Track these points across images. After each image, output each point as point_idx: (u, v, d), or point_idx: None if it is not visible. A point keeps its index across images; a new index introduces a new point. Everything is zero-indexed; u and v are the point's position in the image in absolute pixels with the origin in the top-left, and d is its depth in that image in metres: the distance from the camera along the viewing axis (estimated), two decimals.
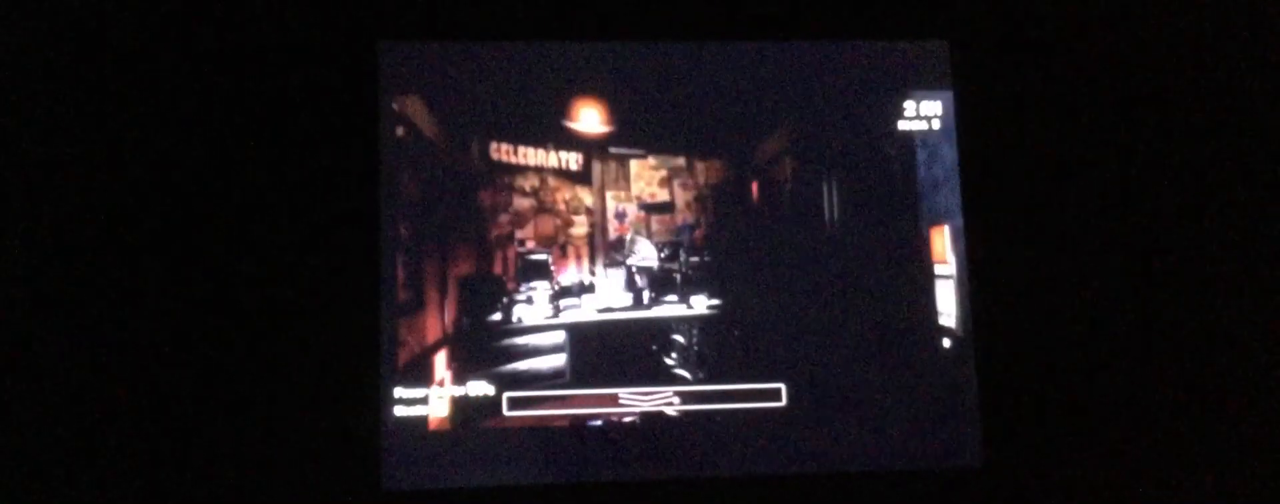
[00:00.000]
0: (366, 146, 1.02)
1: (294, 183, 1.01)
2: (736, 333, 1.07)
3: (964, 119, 1.10)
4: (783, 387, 1.05)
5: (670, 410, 1.04)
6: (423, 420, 1.00)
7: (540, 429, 1.02)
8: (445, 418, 1.01)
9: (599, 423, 1.03)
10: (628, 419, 1.04)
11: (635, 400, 1.04)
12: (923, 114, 1.10)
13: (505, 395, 1.02)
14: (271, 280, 0.99)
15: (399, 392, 1.00)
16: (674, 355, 1.06)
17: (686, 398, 1.05)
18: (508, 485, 1.01)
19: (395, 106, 1.02)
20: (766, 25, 1.10)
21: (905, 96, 1.10)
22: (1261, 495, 1.05)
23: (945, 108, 1.10)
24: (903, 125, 1.09)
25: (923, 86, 1.10)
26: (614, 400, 1.04)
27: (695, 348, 1.07)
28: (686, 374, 1.06)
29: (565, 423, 1.03)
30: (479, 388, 1.02)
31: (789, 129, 1.09)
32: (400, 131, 1.02)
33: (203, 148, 1.01)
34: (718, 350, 1.06)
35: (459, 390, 1.02)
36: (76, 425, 0.96)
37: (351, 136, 1.02)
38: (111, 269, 0.98)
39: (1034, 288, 1.07)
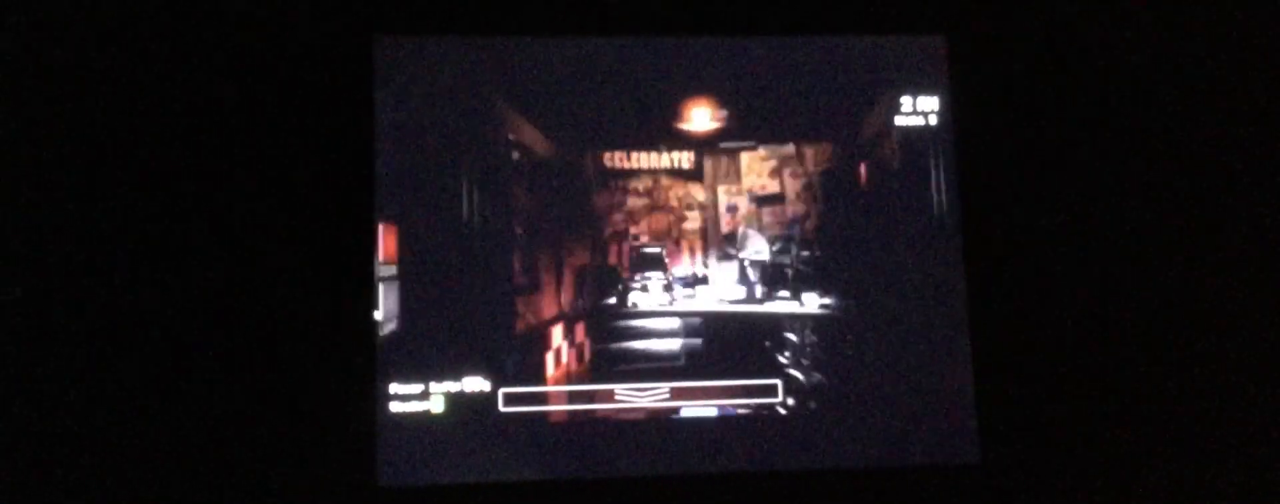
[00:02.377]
0: (362, 142, 1.03)
1: (289, 178, 1.01)
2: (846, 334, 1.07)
3: (961, 115, 1.08)
4: (779, 383, 1.05)
5: (668, 407, 1.05)
6: (419, 416, 1.01)
7: (536, 425, 1.02)
8: (441, 414, 1.02)
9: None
10: (626, 415, 1.04)
11: (631, 397, 1.05)
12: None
13: (501, 391, 1.03)
14: (266, 276, 0.99)
15: (395, 387, 1.01)
16: (787, 354, 1.07)
17: (683, 394, 1.05)
18: (503, 481, 1.01)
19: (511, 136, 1.06)
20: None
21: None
22: (1256, 491, 1.02)
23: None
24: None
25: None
26: (610, 396, 1.04)
27: (808, 349, 1.07)
28: (800, 376, 1.06)
29: (562, 418, 1.03)
30: (475, 384, 1.02)
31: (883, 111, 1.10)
32: (516, 156, 1.06)
33: (198, 141, 1.01)
34: (830, 353, 1.07)
35: (455, 386, 1.02)
36: (71, 420, 0.96)
37: (348, 130, 1.03)
38: (100, 265, 0.98)
39: (1029, 284, 1.06)
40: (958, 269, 1.06)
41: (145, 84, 1.01)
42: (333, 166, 1.02)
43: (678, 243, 1.10)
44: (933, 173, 1.08)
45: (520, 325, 1.05)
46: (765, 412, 1.05)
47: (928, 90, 1.09)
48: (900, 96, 1.09)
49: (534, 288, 1.06)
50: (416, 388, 1.01)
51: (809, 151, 1.10)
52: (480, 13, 1.06)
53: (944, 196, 1.08)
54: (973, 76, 1.09)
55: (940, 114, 1.09)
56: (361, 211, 1.01)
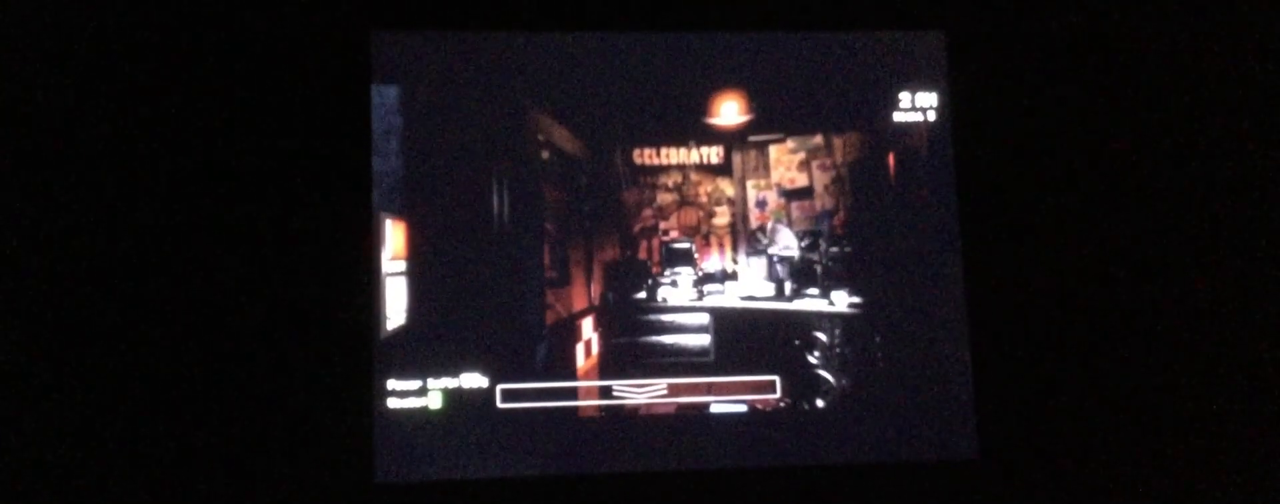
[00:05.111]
0: (361, 137, 1.03)
1: (287, 175, 1.01)
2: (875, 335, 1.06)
3: (959, 112, 1.08)
4: (777, 379, 1.04)
5: (664, 402, 1.04)
6: (416, 412, 1.01)
7: (533, 421, 1.02)
8: (439, 410, 1.02)
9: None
10: (625, 411, 1.04)
11: (628, 392, 1.04)
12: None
13: (499, 387, 1.02)
14: (263, 273, 0.99)
15: (392, 384, 1.01)
16: (817, 355, 1.06)
17: (680, 390, 1.04)
18: (501, 478, 1.00)
19: (540, 136, 1.07)
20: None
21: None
22: (1254, 489, 1.02)
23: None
24: None
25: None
26: (608, 393, 1.04)
27: (838, 349, 1.06)
28: (830, 377, 1.05)
29: (561, 415, 1.03)
30: (473, 380, 1.02)
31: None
32: (545, 155, 1.07)
33: (194, 138, 1.00)
34: (861, 353, 1.06)
35: (452, 382, 1.02)
36: (63, 414, 0.96)
37: (345, 126, 1.03)
38: (99, 261, 0.98)
39: (1028, 281, 1.05)
40: (957, 265, 1.06)
41: (138, 82, 1.01)
42: (331, 163, 1.02)
43: (707, 238, 1.10)
44: (930, 169, 1.08)
45: (549, 319, 1.05)
46: (763, 408, 1.05)
47: (929, 86, 1.09)
48: (899, 92, 1.09)
49: (563, 282, 1.07)
50: (414, 384, 1.01)
51: (837, 142, 1.10)
52: (481, 9, 1.07)
53: (943, 193, 1.07)
54: (972, 73, 1.09)
55: (939, 110, 1.08)
56: (360, 207, 1.01)
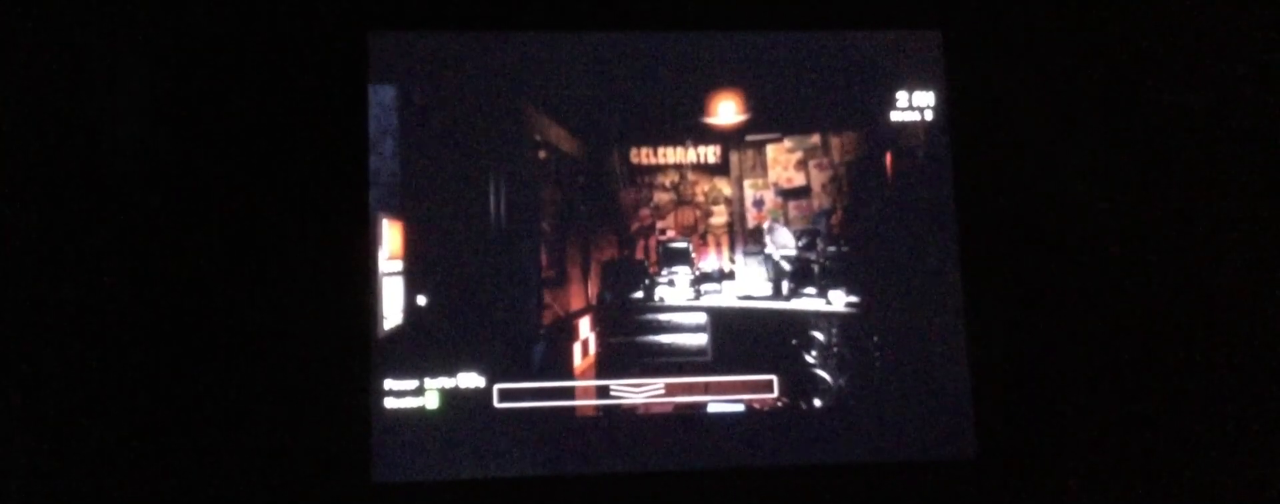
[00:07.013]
0: (358, 138, 1.03)
1: (285, 176, 1.01)
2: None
3: (956, 111, 1.08)
4: (775, 379, 1.05)
5: (662, 402, 1.04)
6: (413, 412, 1.01)
7: (531, 421, 1.02)
8: (436, 409, 1.02)
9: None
10: (622, 411, 1.04)
11: (626, 392, 1.04)
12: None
13: (496, 387, 1.03)
14: (260, 273, 0.99)
15: (390, 383, 1.01)
16: (814, 354, 1.06)
17: (678, 390, 1.04)
18: (498, 477, 1.01)
19: (537, 136, 1.07)
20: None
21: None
22: (1250, 489, 1.02)
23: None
24: None
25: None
26: (605, 392, 1.04)
27: (835, 349, 1.06)
28: (826, 377, 1.05)
29: (558, 414, 1.03)
30: (469, 380, 1.02)
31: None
32: (542, 155, 1.07)
33: (193, 139, 1.00)
34: (858, 353, 1.06)
35: (449, 382, 1.02)
36: (61, 413, 0.96)
37: (342, 127, 1.03)
38: (98, 261, 0.98)
39: (1025, 280, 1.05)
40: (954, 265, 1.06)
41: (135, 82, 1.01)
42: (328, 163, 1.02)
43: (704, 238, 1.11)
44: (927, 168, 1.08)
45: (546, 318, 1.05)
46: (761, 407, 1.05)
47: (925, 85, 1.09)
48: (896, 92, 1.09)
49: (560, 282, 1.07)
50: (411, 384, 1.01)
51: (834, 141, 1.10)
52: (478, 9, 1.07)
53: (940, 192, 1.07)
54: (968, 72, 1.09)
55: (936, 109, 1.08)
56: (357, 207, 1.02)
